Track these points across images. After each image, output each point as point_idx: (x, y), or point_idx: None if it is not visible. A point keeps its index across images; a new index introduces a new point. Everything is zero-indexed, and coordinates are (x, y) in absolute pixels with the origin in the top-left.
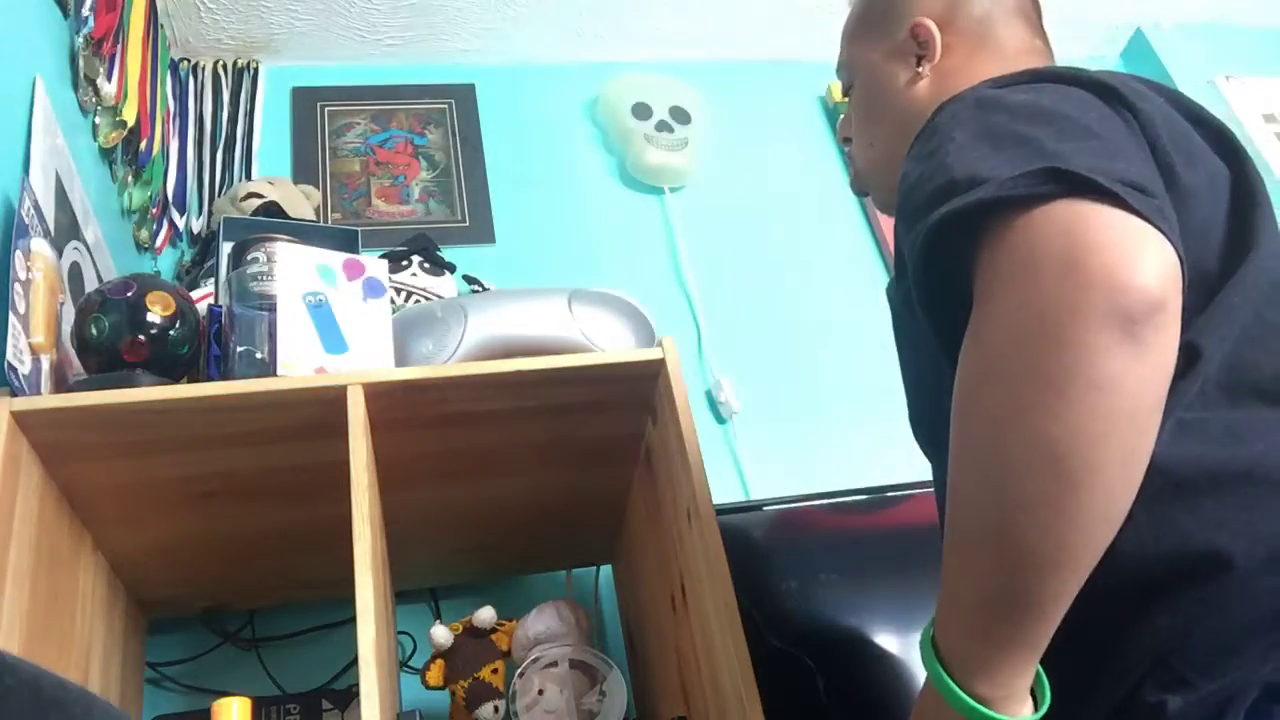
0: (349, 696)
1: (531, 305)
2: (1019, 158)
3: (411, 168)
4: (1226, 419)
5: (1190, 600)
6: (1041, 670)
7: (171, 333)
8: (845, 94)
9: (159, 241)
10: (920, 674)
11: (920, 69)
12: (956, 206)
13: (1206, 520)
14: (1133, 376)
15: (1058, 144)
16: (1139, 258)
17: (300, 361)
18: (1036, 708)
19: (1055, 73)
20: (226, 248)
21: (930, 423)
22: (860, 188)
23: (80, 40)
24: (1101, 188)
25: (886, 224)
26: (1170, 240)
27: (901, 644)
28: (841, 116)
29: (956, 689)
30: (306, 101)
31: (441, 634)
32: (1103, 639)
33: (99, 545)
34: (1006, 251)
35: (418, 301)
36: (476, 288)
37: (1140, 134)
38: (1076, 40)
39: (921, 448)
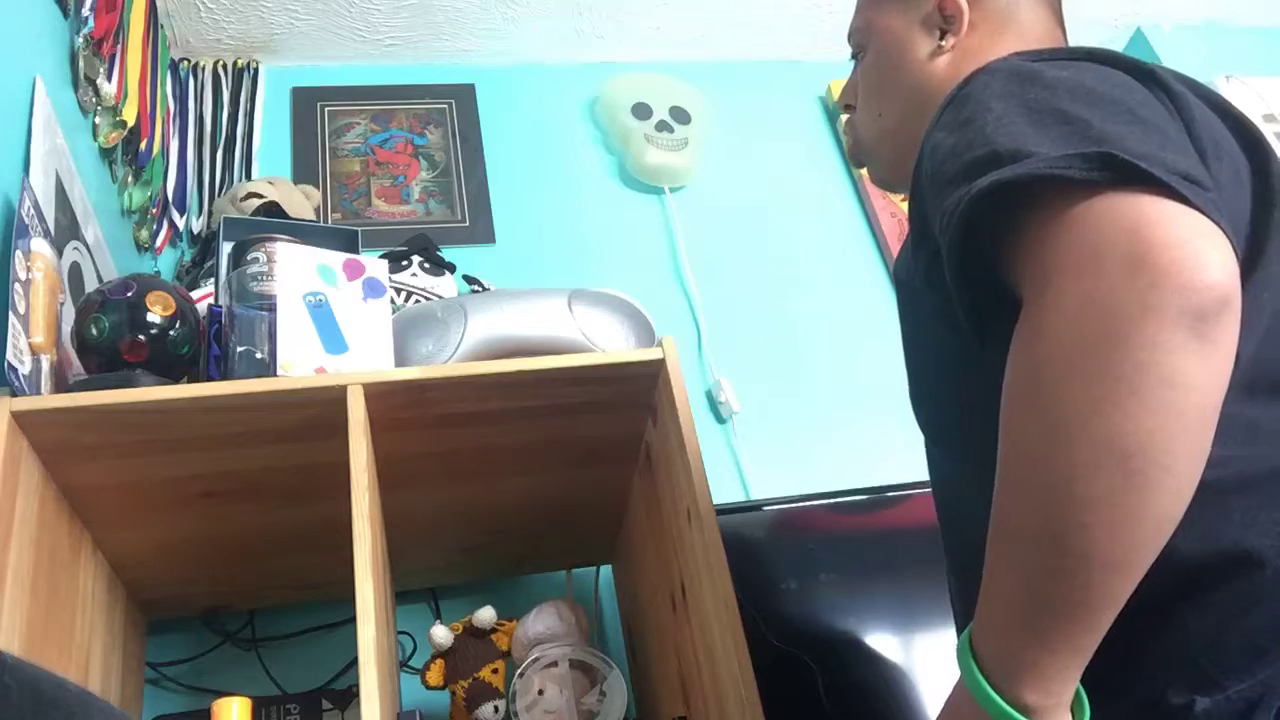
0: (349, 696)
1: (531, 305)
2: (1065, 137)
3: (411, 168)
4: (1249, 417)
5: (1220, 601)
6: (1080, 685)
7: (171, 333)
8: (854, 58)
9: (159, 241)
10: (922, 673)
11: (943, 43)
12: (1007, 176)
13: (1235, 520)
14: (1203, 374)
15: (1104, 126)
16: (1206, 255)
17: (300, 361)
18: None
19: (1089, 51)
20: (226, 248)
21: (934, 402)
22: (858, 158)
23: (80, 40)
24: (1158, 180)
25: (886, 224)
26: (1227, 235)
27: (901, 644)
28: (845, 83)
29: (998, 699)
30: (306, 101)
31: (441, 634)
32: (1132, 641)
33: (99, 545)
34: (1065, 240)
35: (418, 301)
36: (476, 288)
37: (1179, 120)
38: (1076, 40)
39: (921, 426)
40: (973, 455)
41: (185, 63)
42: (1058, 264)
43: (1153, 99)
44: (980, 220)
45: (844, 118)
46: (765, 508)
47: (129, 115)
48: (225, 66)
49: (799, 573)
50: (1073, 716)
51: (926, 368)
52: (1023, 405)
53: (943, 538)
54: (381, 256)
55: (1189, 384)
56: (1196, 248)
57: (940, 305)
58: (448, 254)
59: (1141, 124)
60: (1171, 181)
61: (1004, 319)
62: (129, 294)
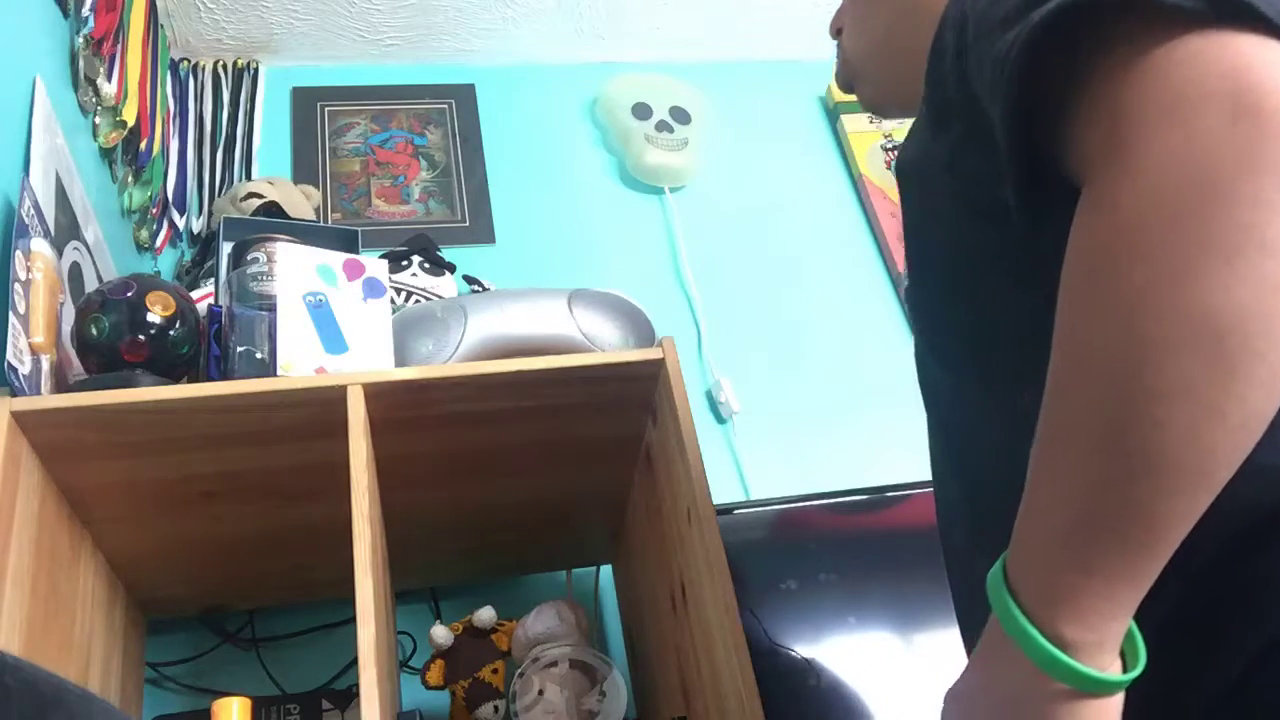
0: (349, 696)
1: (531, 305)
2: None
3: (411, 168)
4: None
5: None
6: (1135, 625)
7: (171, 333)
8: None
9: (159, 241)
10: (922, 674)
11: None
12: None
13: None
14: None
15: None
16: None
17: (300, 361)
18: (1125, 670)
19: None
20: (226, 248)
21: (936, 303)
22: (847, 81)
23: (80, 40)
24: (1262, 16)
25: (886, 224)
26: None
27: (901, 644)
28: (836, 11)
29: (1034, 632)
30: (306, 101)
31: (441, 634)
32: (1216, 593)
33: (99, 545)
34: (1149, 82)
35: (418, 301)
36: (476, 288)
37: None
38: None
39: (916, 330)
40: (971, 361)
41: (185, 63)
42: (1140, 112)
43: None
44: (1038, 71)
45: (835, 45)
46: (765, 508)
47: (129, 115)
48: (225, 66)
49: (799, 573)
50: (1124, 664)
51: (933, 265)
52: (1090, 282)
53: (929, 438)
54: (381, 256)
55: None
56: None
57: (965, 191)
58: (448, 254)
59: None
60: (1273, 16)
61: (1051, 204)
62: (129, 294)
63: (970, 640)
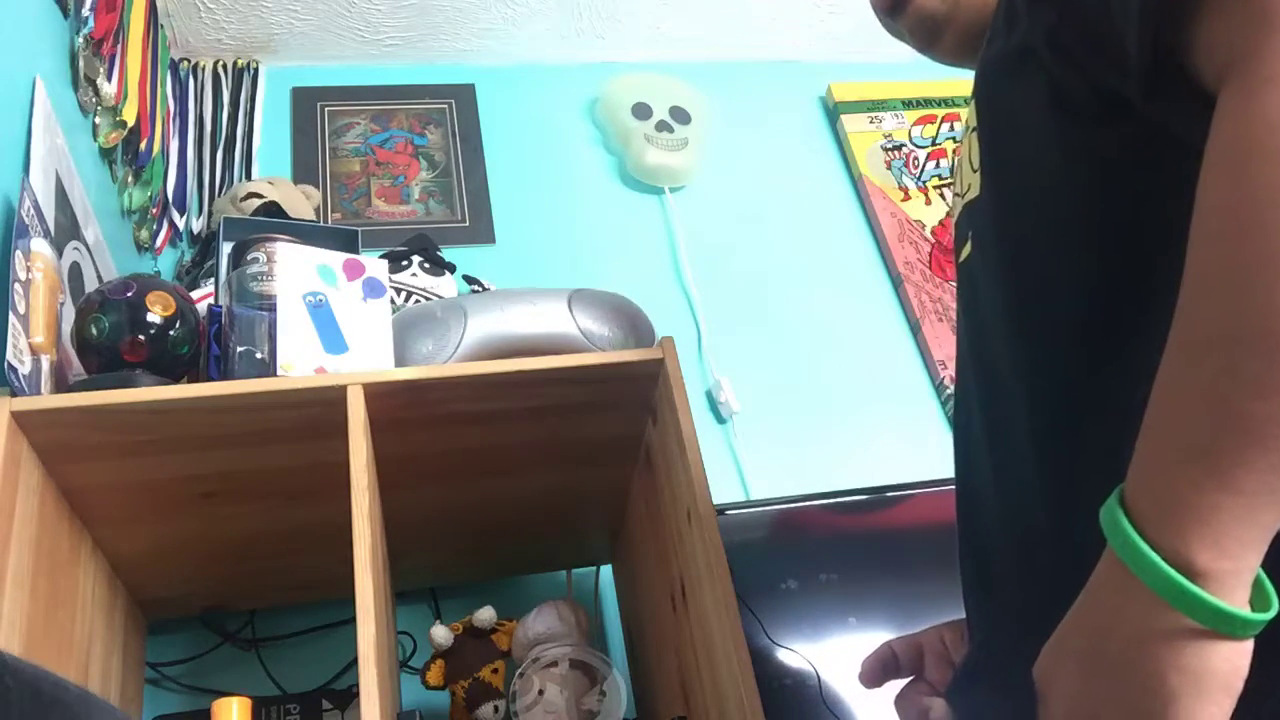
0: (349, 696)
1: (531, 305)
2: None
3: (411, 168)
4: None
5: None
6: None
7: (171, 333)
8: None
9: (159, 241)
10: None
11: None
12: None
13: None
14: None
15: None
16: None
17: (300, 361)
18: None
19: None
20: (226, 248)
21: (1012, 214)
22: (933, 25)
23: (80, 40)
24: None
25: (886, 224)
26: None
27: None
28: None
29: (1156, 558)
30: (306, 101)
31: (441, 634)
32: None
33: (99, 545)
34: None
35: (418, 301)
36: (476, 288)
37: None
38: None
39: (982, 246)
40: (1031, 271)
41: (185, 63)
42: None
43: None
44: None
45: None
46: (765, 508)
47: (129, 115)
48: (225, 66)
49: (799, 573)
50: (1251, 608)
51: (1014, 168)
52: (1239, 171)
53: (955, 392)
54: (381, 256)
55: None
56: None
57: (1067, 76)
58: (448, 254)
59: None
60: None
61: (1164, 93)
62: (129, 294)
63: (980, 618)
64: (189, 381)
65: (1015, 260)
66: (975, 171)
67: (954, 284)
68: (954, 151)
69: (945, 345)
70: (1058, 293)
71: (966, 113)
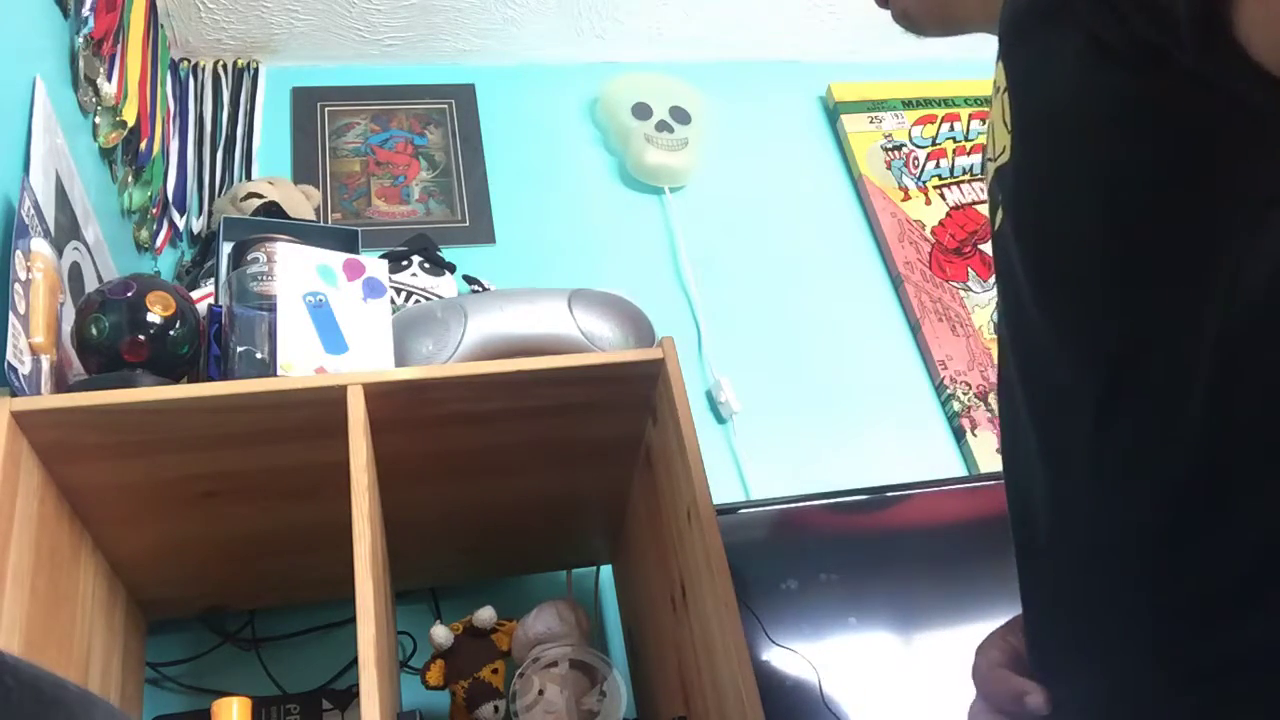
0: (349, 696)
1: (531, 305)
2: None
3: (411, 168)
4: None
5: None
6: None
7: (171, 333)
8: None
9: (159, 241)
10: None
11: None
12: None
13: None
14: None
15: None
16: None
17: (300, 361)
18: None
19: None
20: (226, 248)
21: (1039, 168)
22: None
23: (80, 40)
24: None
25: (886, 224)
26: None
27: (901, 644)
28: None
29: None
30: (306, 101)
31: (441, 634)
32: None
33: (99, 545)
34: None
35: (418, 301)
36: (476, 288)
37: None
38: None
39: (1014, 210)
40: (1059, 230)
41: (185, 63)
42: None
43: None
44: None
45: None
46: (765, 508)
47: (129, 115)
48: (225, 66)
49: (799, 573)
50: None
51: (1046, 120)
52: None
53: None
54: (381, 256)
55: None
56: None
57: (1107, 27)
58: (448, 254)
59: None
60: None
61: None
62: (129, 294)
63: (1043, 657)
64: (189, 381)
65: (1043, 217)
66: (1009, 132)
67: (954, 284)
68: (954, 151)
69: (945, 345)
70: (1086, 248)
71: (996, 73)
